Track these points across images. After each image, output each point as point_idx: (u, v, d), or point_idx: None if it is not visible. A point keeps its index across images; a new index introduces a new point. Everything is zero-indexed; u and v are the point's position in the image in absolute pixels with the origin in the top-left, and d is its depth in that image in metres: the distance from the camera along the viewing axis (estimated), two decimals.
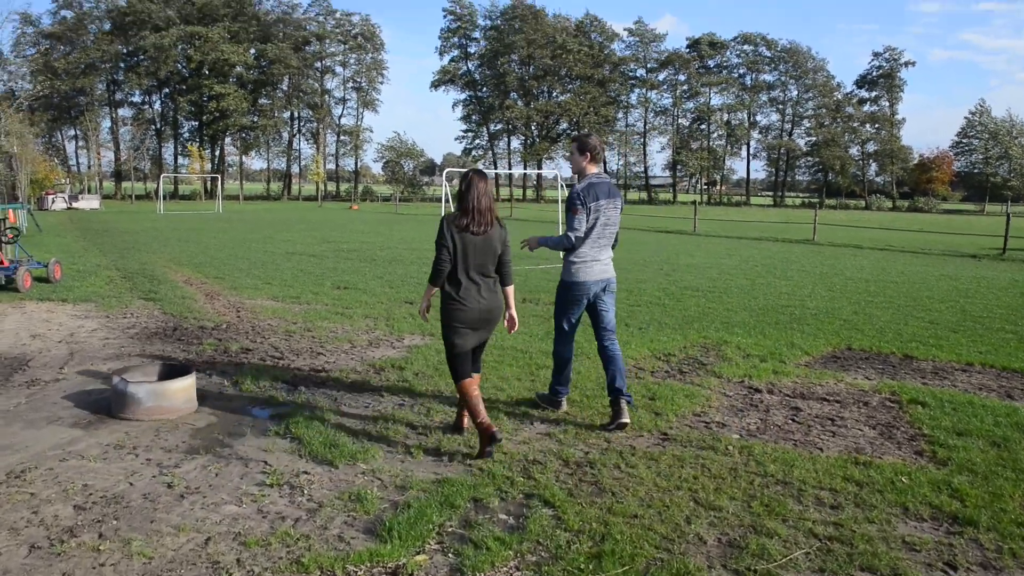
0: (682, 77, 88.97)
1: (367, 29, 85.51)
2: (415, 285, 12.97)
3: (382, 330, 9.14)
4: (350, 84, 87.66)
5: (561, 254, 5.78)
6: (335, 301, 11.12)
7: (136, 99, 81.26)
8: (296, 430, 5.35)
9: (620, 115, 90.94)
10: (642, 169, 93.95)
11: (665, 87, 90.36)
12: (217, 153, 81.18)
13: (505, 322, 5.22)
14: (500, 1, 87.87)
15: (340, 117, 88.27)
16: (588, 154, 5.62)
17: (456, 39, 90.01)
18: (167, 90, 79.48)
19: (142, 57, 75.23)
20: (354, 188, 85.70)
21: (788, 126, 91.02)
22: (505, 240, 5.02)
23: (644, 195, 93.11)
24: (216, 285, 12.73)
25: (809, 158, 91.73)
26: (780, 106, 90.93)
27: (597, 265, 5.63)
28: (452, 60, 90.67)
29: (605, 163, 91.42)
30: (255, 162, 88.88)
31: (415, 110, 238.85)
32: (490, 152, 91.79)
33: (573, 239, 5.49)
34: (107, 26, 77.06)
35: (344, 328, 9.20)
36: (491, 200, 4.91)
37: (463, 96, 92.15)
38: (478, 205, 4.83)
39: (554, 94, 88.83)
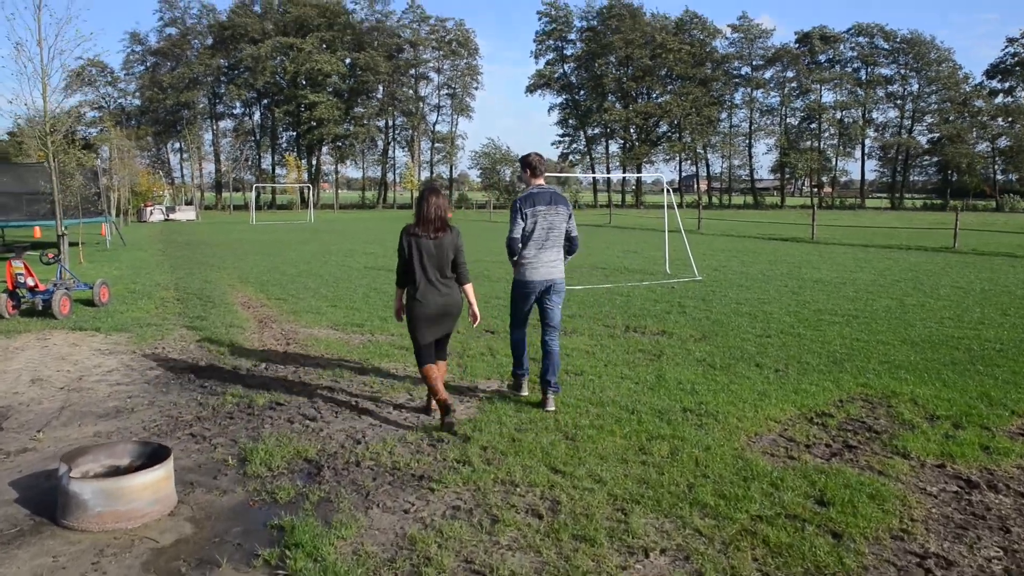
0: (790, 74, 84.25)
1: (461, 34, 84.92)
2: (500, 307, 11.16)
3: (452, 372, 7.35)
4: (444, 90, 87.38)
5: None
6: (403, 330, 9.41)
7: (237, 111, 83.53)
8: (294, 563, 3.59)
9: (724, 115, 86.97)
10: (747, 172, 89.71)
11: (772, 85, 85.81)
12: (314, 162, 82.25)
13: (469, 316, 5.93)
14: (596, 2, 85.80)
15: (435, 124, 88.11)
16: (529, 170, 6.27)
17: (551, 42, 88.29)
18: (265, 101, 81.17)
19: (241, 70, 77.06)
20: (448, 195, 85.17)
21: (907, 122, 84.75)
22: (457, 244, 5.65)
23: (750, 199, 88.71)
24: (275, 308, 11.29)
25: (929, 156, 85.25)
26: (899, 101, 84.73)
27: (542, 267, 6.15)
28: (548, 63, 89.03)
29: (703, 162, 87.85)
30: (350, 171, 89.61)
31: (510, 117, 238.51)
32: (587, 157, 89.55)
33: (509, 240, 6.11)
34: (209, 41, 79.41)
35: (405, 369, 7.46)
36: (442, 211, 5.55)
37: (559, 100, 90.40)
38: (428, 215, 5.51)
39: (654, 95, 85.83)
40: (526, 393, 6.46)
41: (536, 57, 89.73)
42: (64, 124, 15.99)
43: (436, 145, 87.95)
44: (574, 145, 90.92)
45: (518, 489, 4.51)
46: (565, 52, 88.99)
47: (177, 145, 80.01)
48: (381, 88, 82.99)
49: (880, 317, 10.57)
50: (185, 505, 4.30)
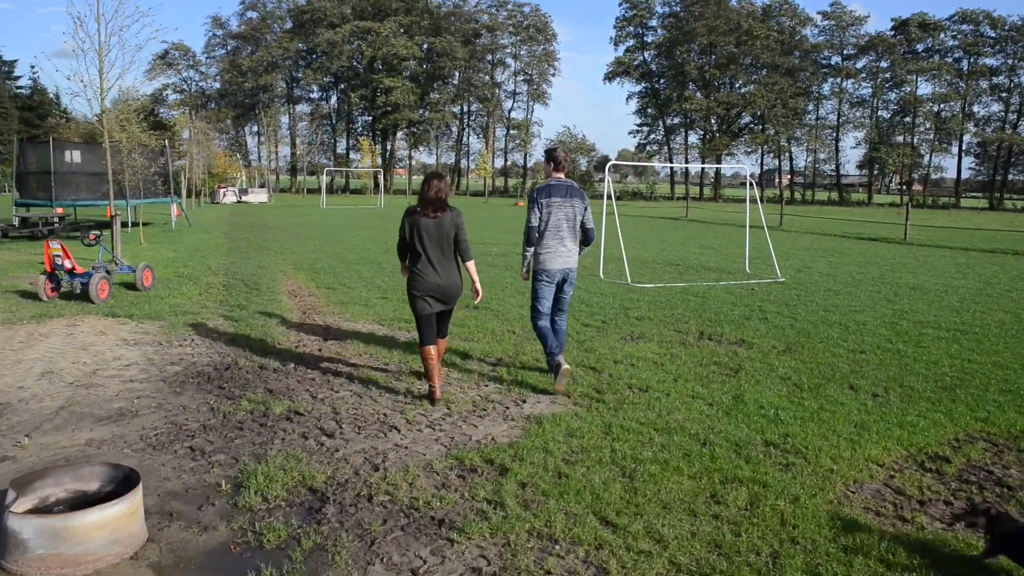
0: (884, 64, 79.75)
1: (539, 20, 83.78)
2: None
3: (500, 383, 6.51)
4: (521, 77, 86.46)
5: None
6: (457, 327, 8.62)
7: (314, 95, 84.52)
8: None
9: (810, 107, 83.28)
10: (832, 167, 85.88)
11: (864, 75, 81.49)
12: (388, 147, 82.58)
13: (472, 292, 6.10)
14: None
15: (510, 111, 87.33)
16: (552, 163, 6.50)
17: (632, 28, 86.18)
18: (342, 86, 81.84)
19: (318, 54, 77.83)
20: (522, 183, 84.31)
21: (1012, 117, 79.43)
22: (457, 223, 5.85)
23: (834, 195, 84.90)
24: (322, 298, 10.65)
25: None
26: (1004, 94, 79.28)
27: (560, 256, 6.38)
28: (627, 50, 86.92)
29: (786, 156, 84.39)
30: (424, 156, 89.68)
31: (586, 106, 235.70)
32: (665, 147, 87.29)
33: (527, 228, 6.34)
34: (288, 24, 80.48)
35: (449, 375, 6.66)
36: (442, 193, 5.80)
37: (638, 88, 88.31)
38: (428, 196, 5.77)
39: (736, 85, 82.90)
40: (565, 365, 6.31)
41: (616, 44, 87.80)
42: (129, 105, 15.80)
43: (511, 132, 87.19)
44: (652, 135, 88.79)
45: (557, 547, 3.63)
46: (645, 39, 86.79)
47: (255, 128, 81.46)
48: (457, 74, 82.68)
49: (993, 334, 9.24)
50: (155, 544, 3.58)
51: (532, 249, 6.38)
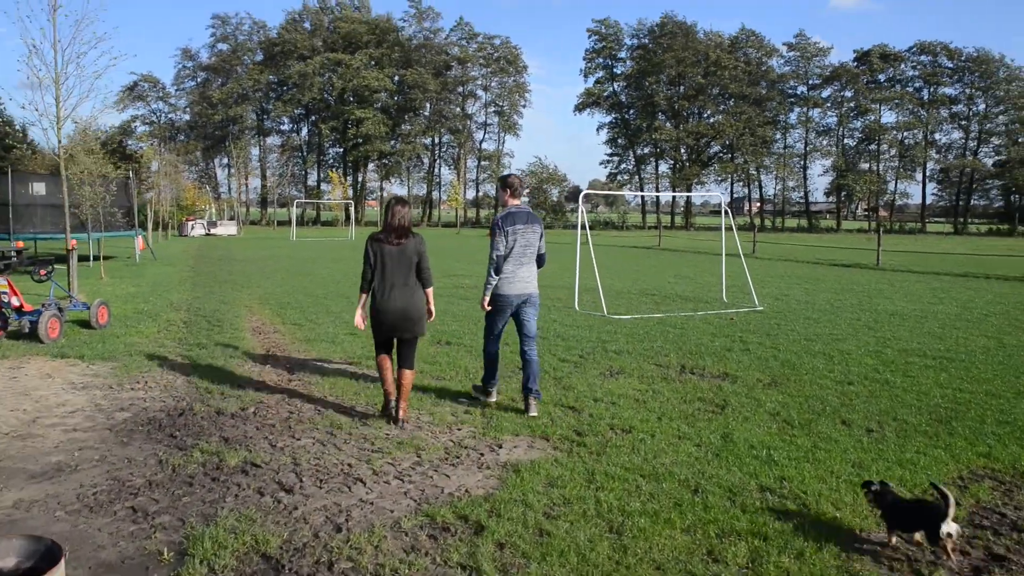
0: (848, 93, 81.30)
1: (509, 52, 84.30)
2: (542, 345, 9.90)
3: (473, 424, 6.11)
4: (492, 108, 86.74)
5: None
6: (428, 365, 8.21)
7: (284, 127, 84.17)
8: None
9: (778, 136, 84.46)
10: (801, 194, 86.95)
11: (829, 105, 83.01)
12: (360, 179, 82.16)
13: (426, 314, 6.15)
14: (648, 19, 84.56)
15: (481, 142, 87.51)
16: (508, 190, 6.57)
17: (601, 59, 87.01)
18: (313, 117, 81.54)
19: (289, 86, 77.59)
20: (493, 214, 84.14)
21: (972, 144, 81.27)
22: (420, 250, 6.05)
23: (803, 222, 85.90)
24: (287, 335, 10.18)
25: (994, 180, 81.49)
26: (963, 122, 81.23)
27: (518, 282, 6.43)
28: (597, 81, 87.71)
29: (755, 184, 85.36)
30: (395, 188, 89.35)
31: (557, 138, 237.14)
32: (636, 176, 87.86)
33: (494, 256, 6.38)
34: (259, 56, 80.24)
35: (419, 418, 6.24)
36: (406, 220, 6.01)
37: (608, 119, 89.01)
38: (392, 223, 5.96)
39: (705, 115, 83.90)
40: (495, 399, 6.71)
41: (585, 75, 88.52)
42: (88, 136, 15.29)
43: (482, 163, 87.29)
44: (623, 164, 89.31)
45: None
46: (615, 70, 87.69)
47: (225, 160, 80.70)
48: (428, 105, 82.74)
49: (980, 360, 9.02)
50: None
51: (497, 278, 6.43)
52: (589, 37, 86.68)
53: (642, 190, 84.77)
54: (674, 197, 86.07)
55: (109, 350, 8.72)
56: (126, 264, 21.86)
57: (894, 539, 3.99)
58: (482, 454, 5.41)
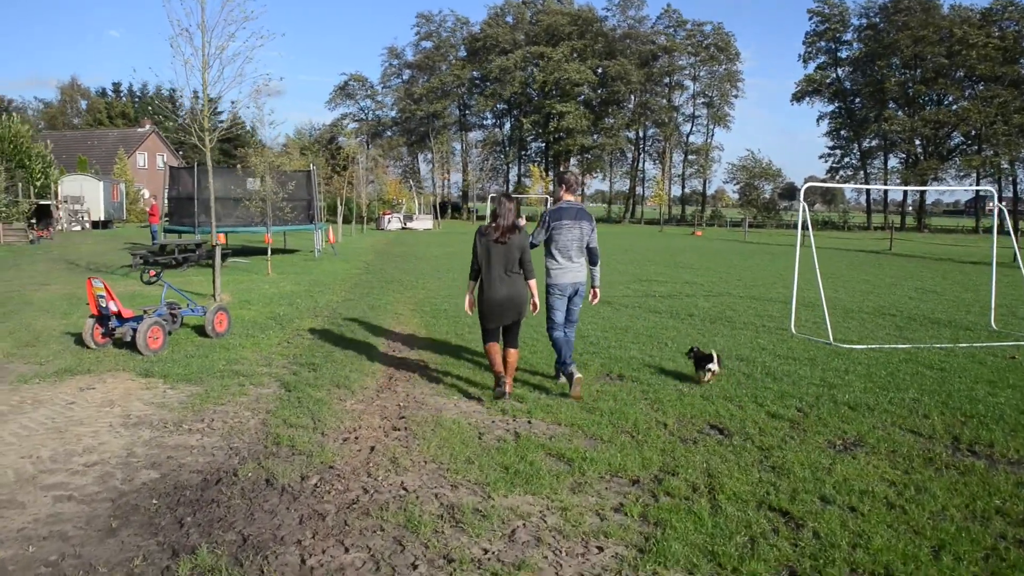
0: None
1: (721, 39, 79.16)
2: (737, 377, 7.33)
3: (624, 516, 3.84)
4: (700, 99, 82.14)
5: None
6: (584, 415, 6.02)
7: (487, 122, 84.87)
8: None
9: None
10: None
11: None
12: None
13: (531, 305, 6.55)
14: None
15: (688, 135, 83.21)
16: (564, 186, 7.06)
17: (823, 43, 79.50)
18: (515, 112, 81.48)
19: (491, 80, 77.95)
20: (700, 211, 79.77)
21: None
22: (523, 244, 6.43)
23: None
24: (425, 355, 8.36)
25: None
26: None
27: (570, 271, 6.80)
28: (818, 67, 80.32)
29: (1008, 180, 73.99)
30: (597, 183, 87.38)
31: (770, 131, 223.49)
32: (861, 172, 79.59)
33: (529, 244, 6.61)
34: (462, 52, 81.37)
35: (541, 507, 4.07)
36: (514, 216, 6.38)
37: (830, 108, 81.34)
38: (504, 222, 6.35)
39: (947, 101, 74.08)
40: (579, 374, 6.70)
41: (805, 61, 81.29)
42: (304, 134, 14.51)
43: (689, 158, 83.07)
44: (846, 159, 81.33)
45: None
46: (839, 54, 79.91)
47: (428, 156, 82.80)
48: (632, 97, 79.87)
49: None
50: None
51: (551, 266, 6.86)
52: (810, 19, 79.51)
53: (866, 189, 76.45)
54: (905, 195, 77.01)
55: (203, 368, 7.29)
56: (305, 259, 21.47)
57: (699, 374, 7.16)
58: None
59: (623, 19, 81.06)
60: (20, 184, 32.83)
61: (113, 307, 7.66)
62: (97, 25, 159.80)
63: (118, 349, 8.01)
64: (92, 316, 7.92)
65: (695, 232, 54.22)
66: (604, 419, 5.92)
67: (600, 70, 77.85)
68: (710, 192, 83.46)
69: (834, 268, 21.86)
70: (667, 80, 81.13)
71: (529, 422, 5.89)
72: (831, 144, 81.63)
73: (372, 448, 5.22)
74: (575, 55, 75.81)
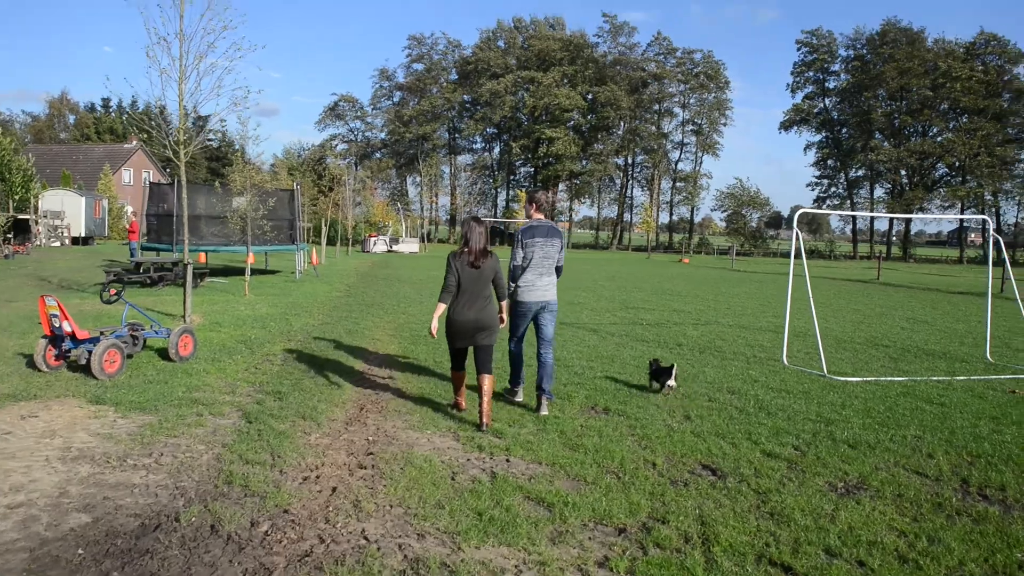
0: None
1: (711, 67, 79.80)
2: (729, 411, 6.92)
3: (609, 572, 3.42)
4: (689, 126, 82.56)
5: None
6: (568, 452, 5.60)
7: (476, 146, 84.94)
8: None
9: (1023, 155, 73.34)
10: None
11: None
12: (550, 199, 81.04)
13: (499, 321, 6.56)
14: (867, 27, 76.86)
15: (676, 162, 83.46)
16: (533, 204, 7.09)
17: (811, 73, 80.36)
18: (504, 136, 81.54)
19: (481, 104, 78.08)
20: (687, 238, 79.79)
21: None
22: (496, 268, 6.43)
23: None
24: (400, 382, 7.92)
25: None
26: None
27: (537, 290, 6.84)
28: (806, 97, 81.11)
29: (991, 211, 74.68)
30: (585, 209, 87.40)
31: (757, 160, 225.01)
32: (848, 202, 79.98)
33: (512, 267, 6.88)
34: (452, 75, 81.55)
35: (516, 560, 3.63)
36: (485, 240, 6.40)
37: (817, 138, 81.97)
38: (475, 246, 6.34)
39: (931, 132, 74.72)
40: (521, 399, 7.10)
41: (793, 91, 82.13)
42: (291, 155, 14.10)
43: (677, 185, 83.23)
44: (832, 188, 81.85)
45: None
46: (827, 85, 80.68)
47: (417, 179, 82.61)
48: (622, 124, 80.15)
49: None
50: None
51: (513, 285, 6.88)
52: (799, 49, 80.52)
53: (854, 217, 76.68)
54: (891, 223, 77.37)
55: (160, 395, 6.80)
56: (285, 280, 20.95)
57: (654, 384, 7.74)
58: None
59: (614, 45, 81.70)
60: None
61: (67, 327, 7.17)
62: (91, 41, 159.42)
63: (72, 373, 7.51)
64: (45, 337, 7.42)
65: (682, 259, 54.05)
66: (588, 457, 5.49)
67: (590, 96, 78.16)
68: (697, 220, 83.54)
69: (823, 297, 21.57)
70: (657, 107, 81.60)
71: (507, 460, 5.45)
72: (818, 173, 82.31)
73: (334, 489, 4.76)
74: (566, 80, 76.14)
